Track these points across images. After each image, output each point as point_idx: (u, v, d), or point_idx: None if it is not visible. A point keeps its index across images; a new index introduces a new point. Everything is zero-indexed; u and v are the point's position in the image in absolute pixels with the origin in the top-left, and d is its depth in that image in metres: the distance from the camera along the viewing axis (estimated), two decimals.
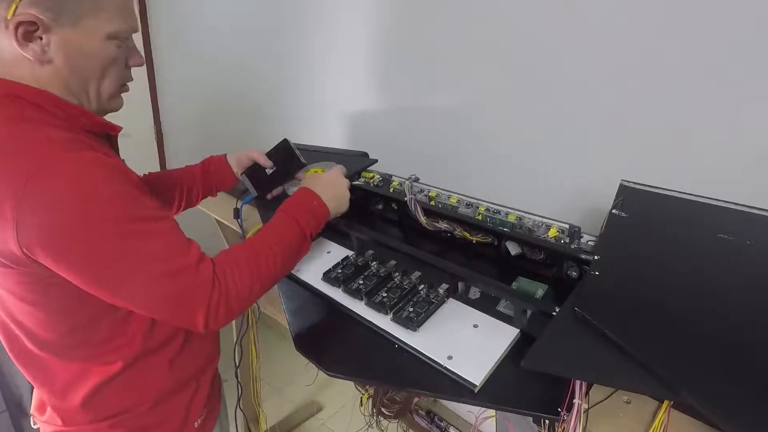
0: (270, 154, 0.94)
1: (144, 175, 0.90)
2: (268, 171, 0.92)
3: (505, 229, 0.83)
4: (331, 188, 0.79)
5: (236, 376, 1.34)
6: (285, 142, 0.94)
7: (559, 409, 0.55)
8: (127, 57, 0.67)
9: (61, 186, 0.54)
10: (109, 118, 0.69)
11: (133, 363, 0.67)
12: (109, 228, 0.55)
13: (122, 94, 0.70)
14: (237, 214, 0.97)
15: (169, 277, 0.57)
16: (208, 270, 0.59)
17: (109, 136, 0.70)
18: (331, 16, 1.45)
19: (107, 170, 0.57)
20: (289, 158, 0.92)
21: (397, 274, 0.80)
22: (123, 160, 0.69)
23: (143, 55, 0.70)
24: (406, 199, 0.92)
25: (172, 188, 0.94)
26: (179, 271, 0.57)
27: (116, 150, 0.72)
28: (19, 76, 0.60)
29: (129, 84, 0.71)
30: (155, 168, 2.55)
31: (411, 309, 0.72)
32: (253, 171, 0.94)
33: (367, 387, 1.13)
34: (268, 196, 0.95)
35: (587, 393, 0.56)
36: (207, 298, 0.59)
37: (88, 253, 0.55)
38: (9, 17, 0.55)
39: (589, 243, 0.77)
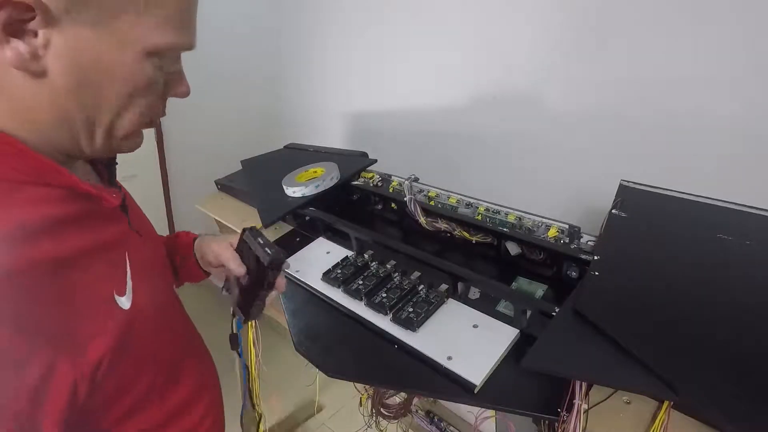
0: (239, 251, 0.63)
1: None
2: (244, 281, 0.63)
3: (505, 229, 0.83)
4: None
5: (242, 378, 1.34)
6: (244, 233, 0.61)
7: (558, 410, 0.54)
8: (167, 83, 0.46)
9: None
10: None
11: None
12: None
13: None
14: (233, 342, 0.71)
15: None
16: None
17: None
18: (332, 16, 1.45)
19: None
20: (254, 259, 0.59)
21: (396, 274, 0.80)
22: (124, 208, 0.51)
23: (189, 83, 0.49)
24: (405, 199, 0.92)
25: None
26: None
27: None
28: None
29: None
30: (155, 168, 2.55)
31: (410, 309, 0.72)
32: (230, 282, 0.66)
33: (366, 387, 1.13)
34: (251, 319, 0.70)
35: (587, 393, 0.56)
36: None
37: None
38: None
39: (589, 243, 0.77)
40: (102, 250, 0.46)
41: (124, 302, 0.46)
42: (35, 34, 0.37)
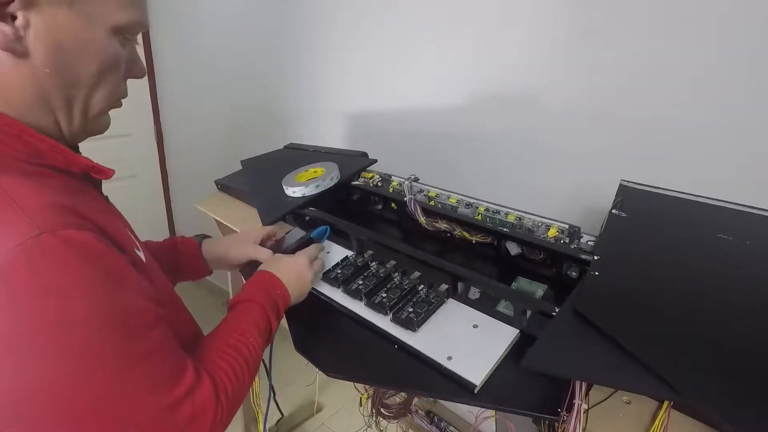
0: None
1: None
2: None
3: (505, 229, 0.83)
4: (295, 279, 0.70)
5: None
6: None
7: (559, 410, 0.54)
8: (127, 64, 0.50)
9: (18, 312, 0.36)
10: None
11: None
12: (97, 371, 0.39)
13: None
14: None
15: (167, 415, 0.43)
16: (208, 390, 0.47)
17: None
18: (331, 16, 1.45)
19: (92, 266, 0.39)
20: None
21: (396, 274, 0.80)
22: (106, 197, 0.55)
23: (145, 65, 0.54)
24: (405, 199, 0.92)
25: None
26: (178, 403, 0.44)
27: (98, 187, 0.54)
28: None
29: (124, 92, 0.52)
30: (155, 168, 2.55)
31: (410, 309, 0.72)
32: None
33: (366, 387, 1.13)
34: None
35: (587, 393, 0.56)
36: (209, 425, 0.47)
37: (62, 416, 0.39)
38: None
39: (589, 243, 0.77)
40: (110, 212, 0.52)
41: (141, 255, 0.52)
42: (15, 17, 0.40)
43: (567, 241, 0.78)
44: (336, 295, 0.79)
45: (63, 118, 0.46)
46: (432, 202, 0.95)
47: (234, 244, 0.81)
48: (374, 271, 0.82)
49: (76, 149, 0.53)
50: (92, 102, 0.47)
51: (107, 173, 0.50)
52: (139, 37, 0.53)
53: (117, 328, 0.40)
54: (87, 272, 0.39)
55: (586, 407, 0.56)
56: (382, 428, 1.17)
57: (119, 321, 0.41)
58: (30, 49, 0.41)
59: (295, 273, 0.71)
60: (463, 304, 0.74)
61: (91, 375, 0.39)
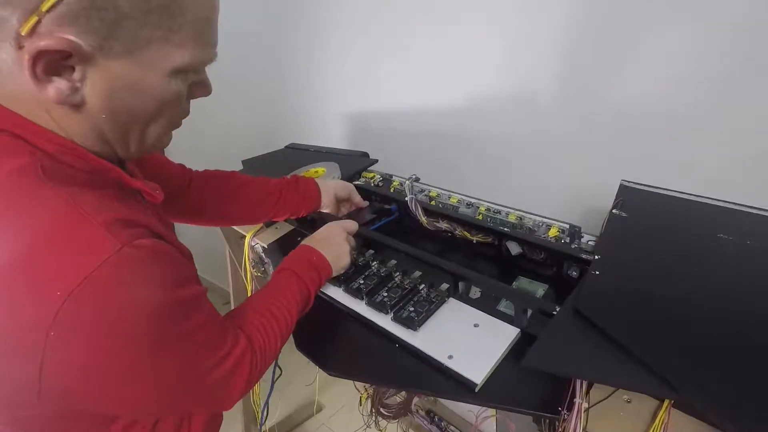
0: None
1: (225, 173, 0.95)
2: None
3: (506, 229, 0.83)
4: (326, 242, 0.77)
5: None
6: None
7: (559, 409, 0.55)
8: (191, 89, 0.49)
9: (111, 298, 0.39)
10: None
11: None
12: (164, 348, 0.44)
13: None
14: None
15: (214, 371, 0.50)
16: (244, 346, 0.54)
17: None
18: (332, 16, 1.45)
19: (163, 265, 0.44)
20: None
21: (397, 273, 0.80)
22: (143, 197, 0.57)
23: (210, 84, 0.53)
24: (406, 199, 0.92)
25: (262, 200, 0.88)
26: (222, 360, 0.51)
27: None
28: (25, 113, 0.42)
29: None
30: None
31: (411, 308, 0.72)
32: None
33: (366, 387, 1.13)
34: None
35: (588, 392, 0.56)
36: (247, 375, 0.54)
37: (135, 384, 0.43)
38: (23, 32, 0.36)
39: (590, 243, 0.77)
40: (152, 213, 0.53)
41: None
42: (73, 69, 0.40)
43: (567, 240, 0.78)
44: (337, 294, 0.79)
45: (120, 149, 0.48)
46: (433, 202, 0.95)
47: (340, 188, 0.93)
48: (375, 270, 0.82)
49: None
50: (149, 134, 0.48)
51: (157, 198, 0.53)
52: None
53: (184, 313, 0.46)
54: (165, 274, 0.43)
55: (587, 406, 0.56)
56: (381, 428, 1.17)
57: (185, 307, 0.46)
58: (86, 98, 0.42)
59: (328, 241, 0.78)
60: (464, 304, 0.74)
61: (164, 356, 0.44)
